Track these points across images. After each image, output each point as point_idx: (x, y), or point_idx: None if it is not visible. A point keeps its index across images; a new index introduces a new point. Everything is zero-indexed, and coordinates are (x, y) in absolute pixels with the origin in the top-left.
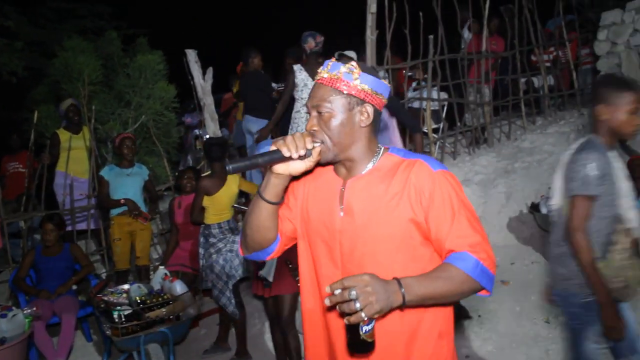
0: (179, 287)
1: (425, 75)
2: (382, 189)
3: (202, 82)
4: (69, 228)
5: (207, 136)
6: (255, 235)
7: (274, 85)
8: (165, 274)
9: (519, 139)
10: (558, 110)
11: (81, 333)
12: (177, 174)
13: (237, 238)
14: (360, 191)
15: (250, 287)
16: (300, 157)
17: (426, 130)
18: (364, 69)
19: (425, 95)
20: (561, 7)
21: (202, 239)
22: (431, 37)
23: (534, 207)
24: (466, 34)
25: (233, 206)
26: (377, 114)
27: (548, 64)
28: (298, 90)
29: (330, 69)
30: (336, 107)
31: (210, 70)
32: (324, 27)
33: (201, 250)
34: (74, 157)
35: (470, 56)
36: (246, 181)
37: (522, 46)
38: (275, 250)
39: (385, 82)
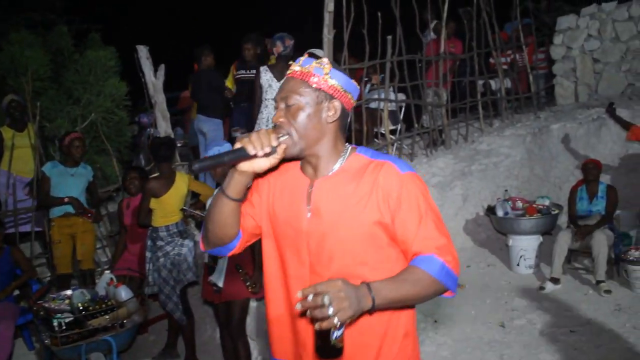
0: (124, 293)
1: (382, 75)
2: (350, 190)
3: (154, 80)
4: (12, 230)
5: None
6: (217, 230)
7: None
8: (111, 279)
9: (476, 141)
10: (515, 113)
11: (22, 341)
12: (122, 174)
13: (186, 242)
14: (328, 192)
15: (200, 292)
16: (266, 155)
17: (383, 131)
18: (335, 66)
19: (382, 96)
20: (518, 11)
21: (149, 242)
22: (389, 37)
23: (490, 210)
24: (430, 35)
25: (182, 209)
26: (344, 112)
27: (505, 67)
28: (262, 91)
29: (302, 63)
30: (304, 99)
31: (162, 68)
32: (280, 25)
33: (148, 254)
34: (18, 155)
35: (428, 58)
36: (197, 182)
37: (480, 49)
38: (237, 246)
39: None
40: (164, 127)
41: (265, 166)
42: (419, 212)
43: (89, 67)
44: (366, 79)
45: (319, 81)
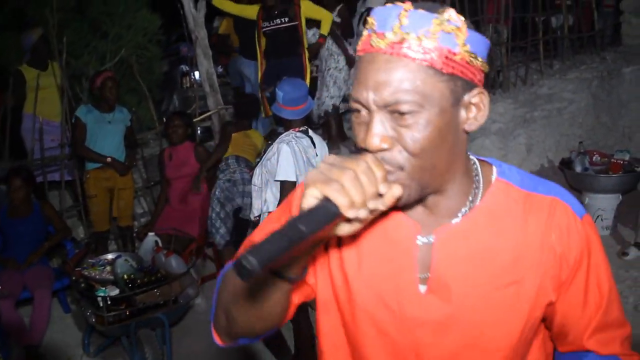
0: (175, 264)
1: None
2: (503, 248)
3: (194, 12)
4: (40, 179)
5: (197, 75)
6: (255, 325)
7: None
8: (157, 244)
9: (535, 84)
10: (575, 54)
11: (57, 302)
12: (164, 119)
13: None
14: (461, 253)
15: None
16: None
17: None
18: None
19: None
20: None
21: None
22: None
23: (564, 163)
24: None
25: None
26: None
27: (569, 2)
28: None
29: (407, 25)
30: (431, 100)
31: None
32: None
33: (216, 207)
34: (44, 97)
35: None
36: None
37: None
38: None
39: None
40: (205, 66)
41: (355, 227)
42: (599, 291)
43: None
44: None
45: (453, 61)
